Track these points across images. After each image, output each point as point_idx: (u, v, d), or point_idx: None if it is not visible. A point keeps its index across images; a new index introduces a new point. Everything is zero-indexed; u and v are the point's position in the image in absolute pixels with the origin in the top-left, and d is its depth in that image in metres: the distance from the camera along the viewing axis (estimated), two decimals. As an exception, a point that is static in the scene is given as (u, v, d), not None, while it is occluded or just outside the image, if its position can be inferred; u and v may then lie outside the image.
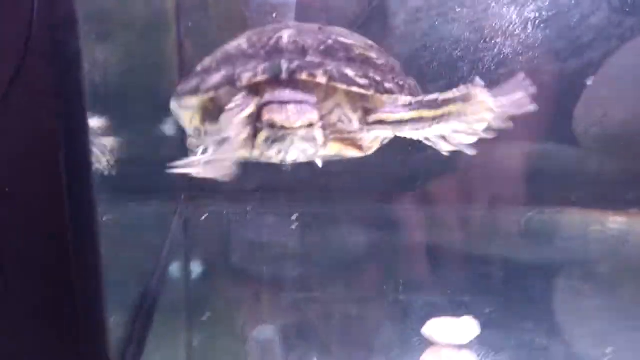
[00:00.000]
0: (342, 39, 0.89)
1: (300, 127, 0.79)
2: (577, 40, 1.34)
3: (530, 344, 0.93)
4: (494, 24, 1.32)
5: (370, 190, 1.43)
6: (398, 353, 0.92)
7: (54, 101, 0.65)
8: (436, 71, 1.35)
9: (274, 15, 1.25)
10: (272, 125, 0.79)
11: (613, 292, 1.11)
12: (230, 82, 0.84)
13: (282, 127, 0.79)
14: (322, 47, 0.86)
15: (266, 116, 0.79)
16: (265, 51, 0.86)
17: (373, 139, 0.91)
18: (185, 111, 0.93)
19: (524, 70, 1.33)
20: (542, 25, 1.33)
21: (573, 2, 1.33)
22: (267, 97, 0.81)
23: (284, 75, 0.82)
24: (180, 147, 1.41)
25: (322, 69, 0.83)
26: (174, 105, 0.95)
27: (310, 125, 0.80)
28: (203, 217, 1.36)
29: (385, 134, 0.89)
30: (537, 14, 1.32)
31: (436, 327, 0.93)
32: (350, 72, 0.84)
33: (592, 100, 1.36)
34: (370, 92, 0.84)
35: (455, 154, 0.88)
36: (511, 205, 1.38)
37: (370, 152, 0.93)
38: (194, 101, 0.89)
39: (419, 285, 1.10)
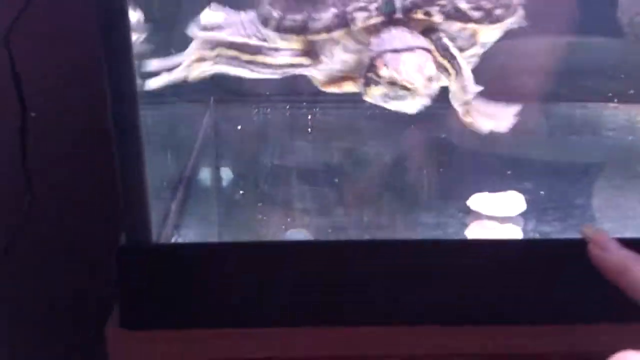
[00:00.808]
0: None
1: (427, 83, 0.72)
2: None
3: (578, 219, 0.90)
4: None
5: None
6: (442, 225, 0.89)
7: None
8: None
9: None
10: (393, 82, 0.72)
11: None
12: (344, 23, 0.76)
13: (404, 87, 0.72)
14: None
15: (386, 70, 0.72)
16: None
17: None
18: None
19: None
20: None
21: None
22: (377, 43, 0.74)
23: (398, 16, 0.75)
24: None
25: (438, 4, 0.76)
26: None
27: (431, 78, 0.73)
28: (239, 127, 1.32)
29: None
30: None
31: (481, 200, 0.90)
32: (463, 6, 0.78)
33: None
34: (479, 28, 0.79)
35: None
36: (554, 100, 1.33)
37: None
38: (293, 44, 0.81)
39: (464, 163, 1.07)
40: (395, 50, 0.73)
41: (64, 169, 1.29)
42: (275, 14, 0.82)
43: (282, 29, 0.81)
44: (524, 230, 0.88)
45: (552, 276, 0.76)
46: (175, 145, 1.14)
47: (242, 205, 1.00)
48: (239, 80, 1.37)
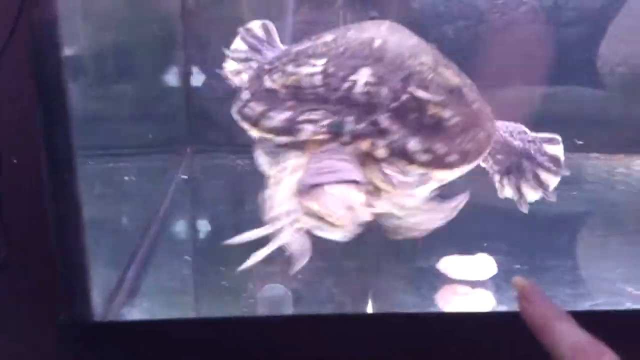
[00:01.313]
0: (420, 93, 0.78)
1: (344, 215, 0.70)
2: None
3: (552, 282, 0.88)
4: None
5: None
6: (413, 288, 0.87)
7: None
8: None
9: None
10: (319, 217, 0.71)
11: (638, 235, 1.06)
12: (290, 130, 0.76)
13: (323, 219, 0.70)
14: (394, 105, 0.76)
15: (307, 202, 0.71)
16: (336, 97, 0.77)
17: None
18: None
19: (546, 5, 1.28)
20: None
21: None
22: (310, 173, 0.73)
23: (345, 139, 0.74)
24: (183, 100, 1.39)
25: (387, 139, 0.75)
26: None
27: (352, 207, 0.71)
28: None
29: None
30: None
31: (451, 263, 0.88)
32: (411, 146, 0.75)
33: (617, 37, 1.29)
34: (426, 171, 0.76)
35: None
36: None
37: None
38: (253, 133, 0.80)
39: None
40: (320, 184, 0.71)
41: None
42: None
43: (242, 115, 0.82)
44: (495, 295, 0.86)
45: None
46: (142, 201, 1.12)
47: (209, 270, 0.96)
48: (217, 130, 1.38)
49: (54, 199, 0.70)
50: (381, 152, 0.74)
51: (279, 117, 0.77)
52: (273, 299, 0.89)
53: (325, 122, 0.75)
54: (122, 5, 1.17)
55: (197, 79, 1.36)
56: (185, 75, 1.37)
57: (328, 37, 0.84)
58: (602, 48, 1.30)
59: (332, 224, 0.70)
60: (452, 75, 0.83)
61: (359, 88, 0.76)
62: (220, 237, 1.03)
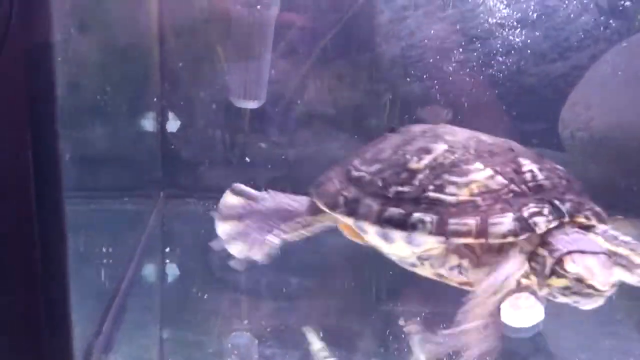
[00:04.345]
0: (553, 166, 0.87)
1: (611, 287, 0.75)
2: (564, 42, 1.33)
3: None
4: (480, 24, 1.31)
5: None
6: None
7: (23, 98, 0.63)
8: (421, 70, 1.34)
9: (258, 7, 1.23)
10: (579, 279, 0.75)
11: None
12: (527, 227, 0.78)
13: (591, 286, 0.74)
14: (564, 182, 0.84)
15: (574, 266, 0.75)
16: (528, 187, 0.82)
17: None
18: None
19: (508, 71, 1.33)
20: (528, 26, 1.32)
21: (561, 3, 1.32)
22: (563, 243, 0.77)
23: (566, 218, 0.79)
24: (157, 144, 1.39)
25: (589, 209, 0.82)
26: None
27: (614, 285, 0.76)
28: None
29: None
30: (524, 15, 1.31)
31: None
32: (597, 208, 0.83)
33: (578, 103, 1.35)
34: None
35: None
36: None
37: None
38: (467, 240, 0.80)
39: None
40: (582, 252, 0.76)
41: None
42: None
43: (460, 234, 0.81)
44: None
45: None
46: (116, 245, 1.13)
47: (182, 323, 0.98)
48: (190, 175, 1.40)
49: (41, 243, 0.67)
50: (593, 220, 0.81)
51: (507, 221, 0.79)
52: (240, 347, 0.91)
53: (546, 211, 0.79)
54: (100, 51, 1.20)
55: (173, 124, 1.39)
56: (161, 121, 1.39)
57: (435, 153, 0.85)
58: (563, 113, 1.36)
59: (595, 291, 0.74)
60: None
61: (540, 175, 0.83)
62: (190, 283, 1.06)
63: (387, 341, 0.94)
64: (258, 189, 1.00)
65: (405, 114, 1.35)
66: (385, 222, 0.82)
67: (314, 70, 1.34)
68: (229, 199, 1.00)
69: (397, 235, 0.82)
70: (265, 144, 1.36)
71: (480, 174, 0.82)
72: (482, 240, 0.78)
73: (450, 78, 1.32)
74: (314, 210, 0.94)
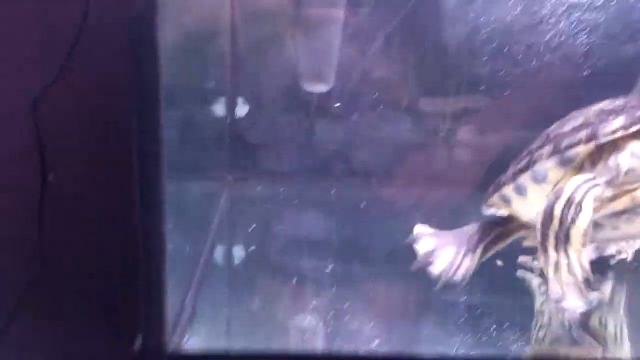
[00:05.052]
0: None
1: None
2: (636, 23, 1.32)
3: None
4: (549, 4, 1.31)
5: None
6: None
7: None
8: (489, 53, 1.33)
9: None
10: None
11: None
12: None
13: None
14: None
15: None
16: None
17: None
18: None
19: (576, 53, 1.32)
20: (598, 8, 1.31)
21: None
22: None
23: None
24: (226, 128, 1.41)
25: None
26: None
27: None
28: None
29: None
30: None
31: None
32: None
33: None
34: None
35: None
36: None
37: None
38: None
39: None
40: None
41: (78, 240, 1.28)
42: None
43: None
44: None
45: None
46: (190, 229, 1.14)
47: (259, 298, 1.00)
48: (258, 158, 1.41)
49: (142, 219, 0.70)
50: None
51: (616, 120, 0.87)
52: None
53: None
54: (176, 37, 1.22)
55: (241, 109, 1.41)
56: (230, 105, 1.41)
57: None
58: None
59: None
60: None
61: None
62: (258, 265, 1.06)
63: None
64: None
65: (472, 97, 1.35)
66: (518, 172, 0.93)
67: (381, 54, 1.35)
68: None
69: (525, 178, 0.91)
70: (333, 127, 1.37)
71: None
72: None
73: (519, 60, 1.32)
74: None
